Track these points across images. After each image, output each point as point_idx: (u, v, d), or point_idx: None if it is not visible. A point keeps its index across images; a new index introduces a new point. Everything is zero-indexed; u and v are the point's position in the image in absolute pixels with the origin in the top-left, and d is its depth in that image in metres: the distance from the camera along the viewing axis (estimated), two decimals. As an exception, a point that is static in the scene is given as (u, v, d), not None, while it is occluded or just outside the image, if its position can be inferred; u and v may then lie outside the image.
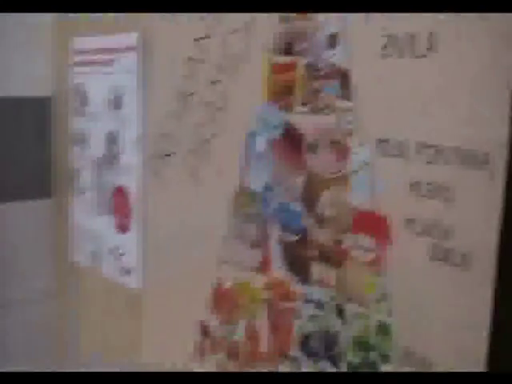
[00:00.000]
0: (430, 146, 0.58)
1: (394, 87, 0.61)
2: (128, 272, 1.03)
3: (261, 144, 0.77)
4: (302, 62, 0.71)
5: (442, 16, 0.55)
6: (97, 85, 1.05)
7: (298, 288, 0.74)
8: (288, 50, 0.72)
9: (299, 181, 0.73)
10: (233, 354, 0.84)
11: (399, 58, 0.60)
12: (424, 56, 0.58)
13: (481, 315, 0.54)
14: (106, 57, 1.01)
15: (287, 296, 0.76)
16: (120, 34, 0.97)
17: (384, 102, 0.62)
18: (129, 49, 0.96)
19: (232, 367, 0.84)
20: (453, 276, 0.57)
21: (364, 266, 0.66)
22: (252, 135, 0.78)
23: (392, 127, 0.62)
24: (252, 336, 0.81)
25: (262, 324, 0.80)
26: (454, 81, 0.55)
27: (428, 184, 0.59)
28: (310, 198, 0.72)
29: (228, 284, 0.84)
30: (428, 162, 0.59)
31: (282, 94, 0.74)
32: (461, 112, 0.55)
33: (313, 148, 0.70)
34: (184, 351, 0.91)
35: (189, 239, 0.90)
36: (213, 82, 0.83)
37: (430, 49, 0.57)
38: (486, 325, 0.54)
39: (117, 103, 1.01)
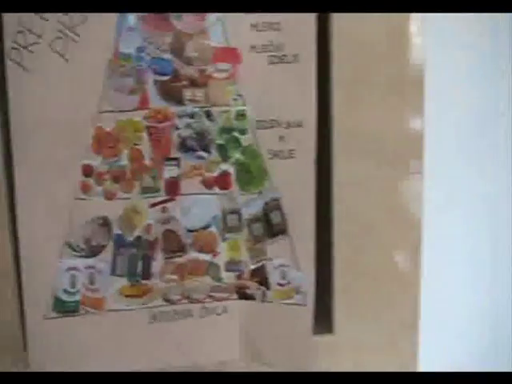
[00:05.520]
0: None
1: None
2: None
3: (131, 20, 1.13)
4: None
5: None
6: None
7: (173, 110, 1.15)
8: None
9: (168, 39, 1.14)
10: (118, 176, 1.15)
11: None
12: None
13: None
14: None
15: (166, 117, 1.15)
16: None
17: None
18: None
19: (118, 188, 1.15)
20: (287, 69, 1.13)
21: (223, 81, 1.14)
22: (122, 16, 1.13)
23: None
24: (136, 157, 1.15)
25: (145, 145, 1.15)
26: None
27: (263, 25, 1.13)
28: (177, 48, 1.13)
29: (110, 126, 1.14)
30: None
31: (146, -17, 1.13)
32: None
33: (178, 16, 1.13)
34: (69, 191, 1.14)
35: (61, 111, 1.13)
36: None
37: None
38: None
39: None
